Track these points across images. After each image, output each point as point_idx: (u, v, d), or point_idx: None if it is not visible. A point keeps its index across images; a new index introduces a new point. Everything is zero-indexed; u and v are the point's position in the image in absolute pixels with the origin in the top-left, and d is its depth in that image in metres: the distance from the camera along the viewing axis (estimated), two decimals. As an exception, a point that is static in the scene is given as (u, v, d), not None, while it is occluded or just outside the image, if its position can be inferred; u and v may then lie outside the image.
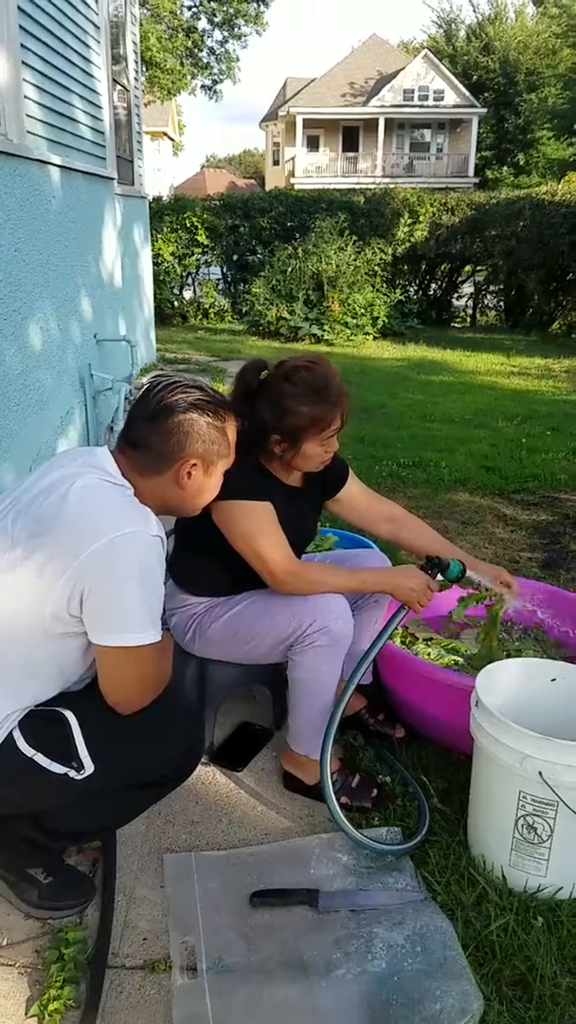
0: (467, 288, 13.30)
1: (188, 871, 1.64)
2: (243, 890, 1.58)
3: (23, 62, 3.66)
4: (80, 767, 1.35)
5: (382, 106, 30.57)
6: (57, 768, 1.34)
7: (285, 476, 1.86)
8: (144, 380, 6.10)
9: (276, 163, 34.44)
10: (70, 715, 1.37)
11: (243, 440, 1.72)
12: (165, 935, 1.49)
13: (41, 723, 1.36)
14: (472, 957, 1.44)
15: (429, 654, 2.17)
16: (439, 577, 1.85)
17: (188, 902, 1.56)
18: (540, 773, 1.46)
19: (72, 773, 1.35)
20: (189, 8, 21.15)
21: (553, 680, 1.76)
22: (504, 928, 1.49)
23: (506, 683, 1.74)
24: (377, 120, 30.63)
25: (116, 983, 1.40)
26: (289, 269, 10.15)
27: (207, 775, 1.96)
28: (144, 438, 1.41)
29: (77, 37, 4.62)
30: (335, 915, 1.54)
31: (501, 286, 12.59)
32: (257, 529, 1.73)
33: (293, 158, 31.82)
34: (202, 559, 1.87)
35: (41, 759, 1.34)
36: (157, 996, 1.38)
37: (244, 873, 1.64)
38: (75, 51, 4.58)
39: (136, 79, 6.89)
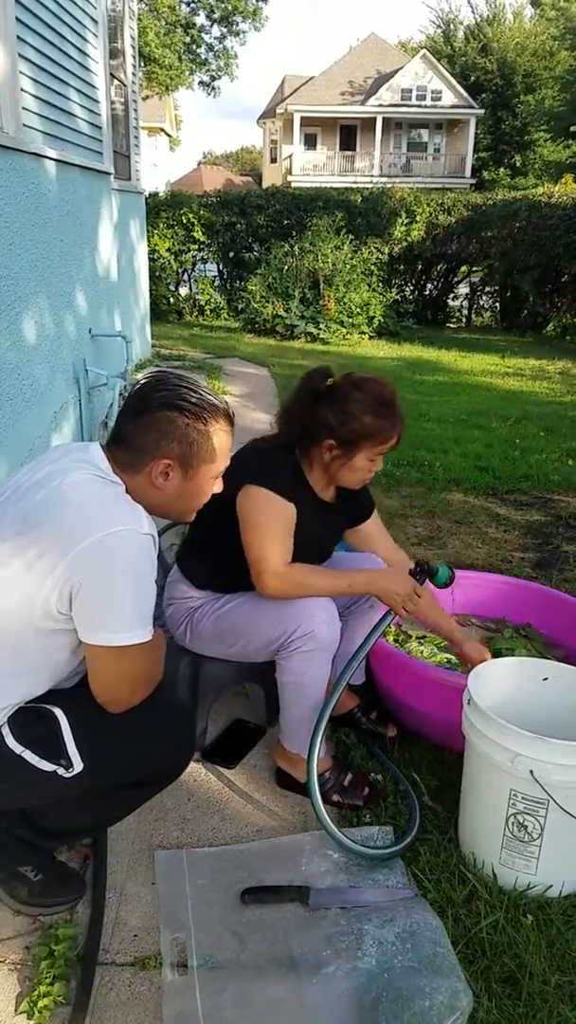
0: (463, 289, 13.33)
1: (179, 868, 1.64)
2: (234, 887, 1.58)
3: (20, 55, 3.64)
4: (69, 764, 1.34)
5: (380, 105, 30.58)
6: (46, 766, 1.33)
7: (320, 488, 1.86)
8: (140, 375, 6.09)
9: (273, 160, 34.41)
10: (59, 712, 1.36)
11: (293, 440, 1.76)
12: (156, 932, 1.49)
13: (30, 720, 1.35)
14: (462, 954, 1.44)
15: (422, 652, 2.18)
16: (427, 583, 1.85)
17: (179, 899, 1.56)
18: (531, 772, 1.47)
19: (61, 771, 1.33)
20: (187, 4, 21.10)
21: (545, 679, 1.77)
22: (494, 926, 1.49)
23: (498, 682, 1.74)
24: (375, 119, 30.63)
25: (106, 980, 1.40)
26: (285, 267, 10.15)
27: (199, 772, 1.96)
28: (125, 433, 1.39)
29: (75, 31, 4.59)
30: (326, 912, 1.54)
31: (497, 287, 12.62)
32: (269, 524, 1.73)
33: (290, 156, 31.79)
34: (208, 553, 1.87)
35: (30, 756, 1.32)
36: (147, 993, 1.38)
37: (235, 870, 1.64)
38: (72, 45, 4.55)
39: (134, 74, 6.87)
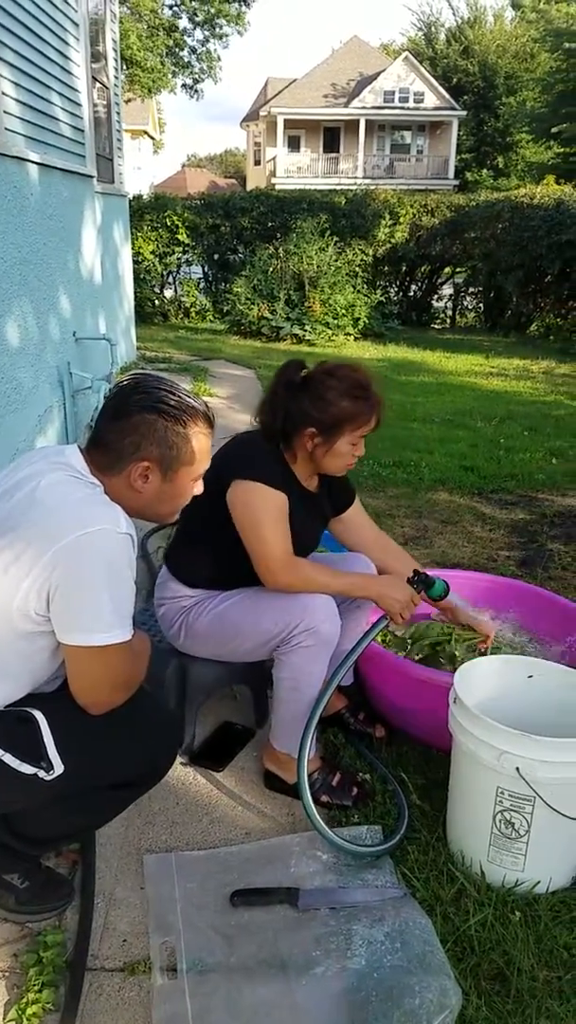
0: (447, 290, 13.40)
1: (168, 871, 1.63)
2: (223, 889, 1.58)
3: (0, 58, 3.63)
4: (50, 767, 1.32)
5: (363, 107, 30.67)
6: (26, 769, 1.32)
7: (305, 478, 1.88)
8: (123, 377, 6.06)
9: (257, 163, 34.40)
10: (39, 715, 1.35)
11: (275, 433, 1.78)
12: (145, 936, 1.49)
13: (10, 723, 1.34)
14: (451, 952, 1.45)
15: (409, 653, 2.18)
16: (423, 594, 1.87)
17: (168, 903, 1.55)
18: (517, 769, 1.48)
19: (42, 774, 1.32)
20: (170, 7, 21.08)
21: (530, 677, 1.78)
22: (482, 923, 1.50)
23: (484, 680, 1.75)
24: (358, 121, 30.72)
25: (95, 985, 1.39)
26: (270, 269, 10.15)
27: (188, 775, 1.96)
28: (104, 436, 1.38)
29: (56, 34, 4.58)
30: (315, 913, 1.54)
31: (480, 288, 12.69)
32: (267, 515, 1.73)
33: (274, 158, 31.81)
34: (199, 551, 1.87)
35: (10, 759, 1.32)
36: (137, 998, 1.37)
37: (224, 872, 1.64)
38: (54, 48, 4.54)
39: (116, 77, 6.85)
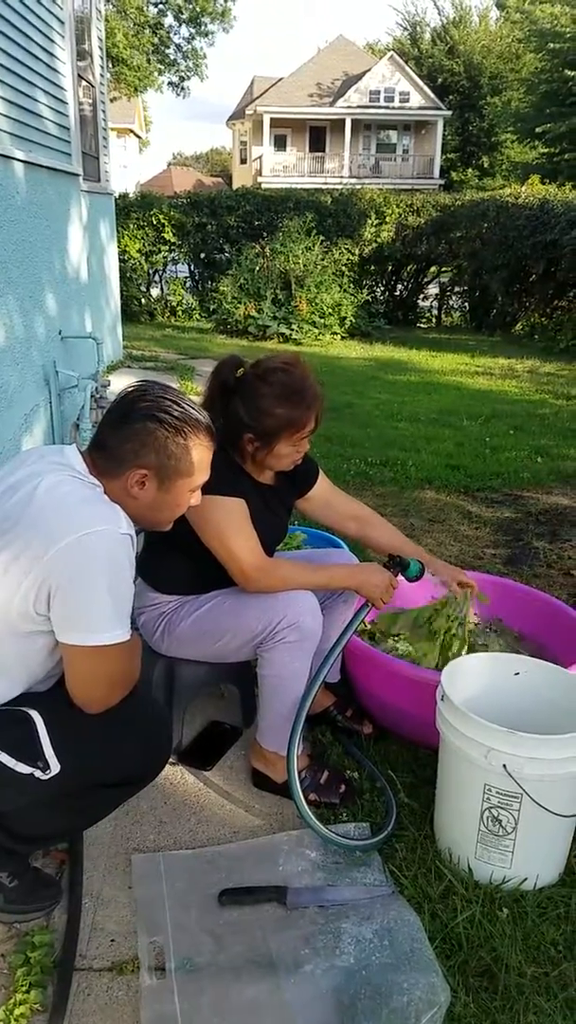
0: (433, 289, 13.45)
1: (156, 871, 1.63)
2: (211, 889, 1.58)
3: (-16, 54, 3.60)
4: (46, 767, 1.33)
5: (349, 107, 30.71)
6: (23, 768, 1.33)
7: (257, 474, 1.87)
8: (112, 377, 6.04)
9: (243, 162, 34.35)
10: (35, 714, 1.35)
11: (218, 437, 1.74)
12: (133, 936, 1.48)
13: (6, 722, 1.35)
14: (439, 949, 1.45)
15: (397, 649, 2.19)
16: (399, 576, 1.88)
17: (156, 902, 1.55)
18: (504, 766, 1.49)
19: (38, 773, 1.33)
20: (155, 5, 20.98)
21: (517, 674, 1.79)
22: (470, 920, 1.51)
23: (471, 677, 1.76)
24: (344, 120, 30.75)
25: (84, 986, 1.39)
26: (257, 268, 10.16)
27: (175, 775, 1.95)
28: (105, 440, 1.40)
29: (41, 32, 4.55)
30: (303, 911, 1.54)
31: (466, 287, 12.75)
32: (229, 525, 1.73)
33: (260, 157, 31.79)
34: (172, 557, 1.86)
35: (6, 759, 1.32)
36: (125, 998, 1.37)
37: (213, 872, 1.64)
38: (39, 46, 4.51)
39: (102, 75, 6.81)
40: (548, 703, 1.73)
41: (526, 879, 1.59)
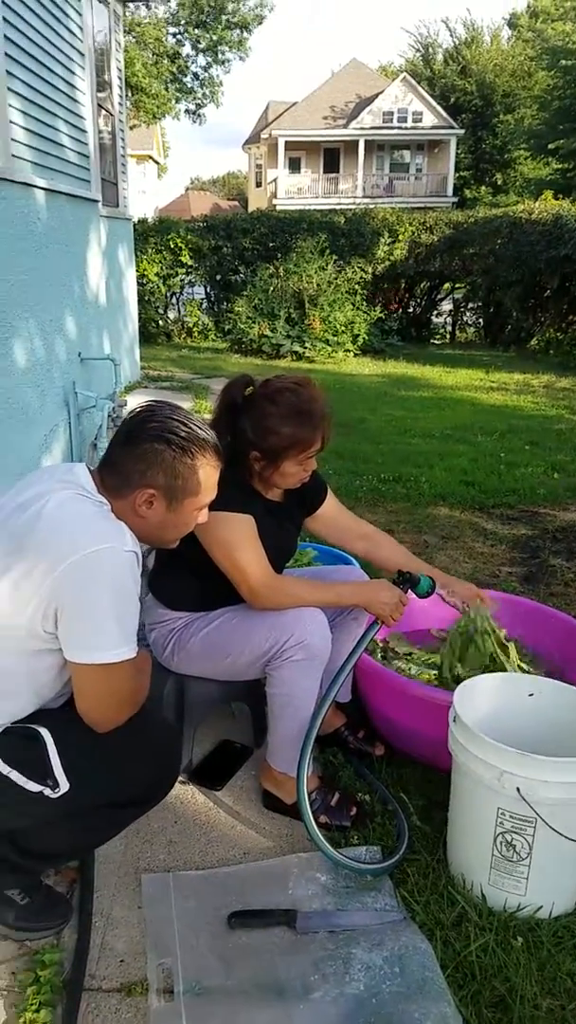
0: (446, 305, 13.47)
1: (166, 891, 1.62)
2: (221, 911, 1.57)
3: (9, 88, 3.71)
4: (56, 785, 1.34)
5: (362, 128, 31.01)
6: (32, 786, 1.33)
7: (266, 491, 1.87)
8: (128, 397, 6.11)
9: (259, 185, 34.78)
10: (45, 732, 1.36)
11: (226, 454, 1.76)
12: (142, 957, 1.47)
13: (16, 740, 1.35)
14: (451, 978, 1.42)
15: (409, 670, 2.18)
16: (410, 592, 1.87)
17: (165, 923, 1.54)
18: (518, 789, 1.46)
19: (48, 791, 1.34)
20: (174, 35, 21.45)
21: (531, 695, 1.77)
22: (484, 948, 1.48)
23: (484, 698, 1.74)
24: (357, 142, 31.04)
25: (92, 1006, 1.38)
26: (271, 288, 10.25)
27: (186, 794, 1.94)
28: (114, 459, 1.42)
29: (62, 64, 4.67)
30: (313, 936, 1.52)
31: (480, 303, 12.76)
32: (237, 542, 1.73)
33: (275, 180, 32.15)
34: (182, 574, 1.87)
35: (16, 776, 1.33)
36: (134, 1020, 1.36)
37: (222, 893, 1.62)
38: (60, 77, 4.63)
39: (121, 104, 6.96)
40: (564, 725, 1.70)
41: (541, 907, 1.55)
